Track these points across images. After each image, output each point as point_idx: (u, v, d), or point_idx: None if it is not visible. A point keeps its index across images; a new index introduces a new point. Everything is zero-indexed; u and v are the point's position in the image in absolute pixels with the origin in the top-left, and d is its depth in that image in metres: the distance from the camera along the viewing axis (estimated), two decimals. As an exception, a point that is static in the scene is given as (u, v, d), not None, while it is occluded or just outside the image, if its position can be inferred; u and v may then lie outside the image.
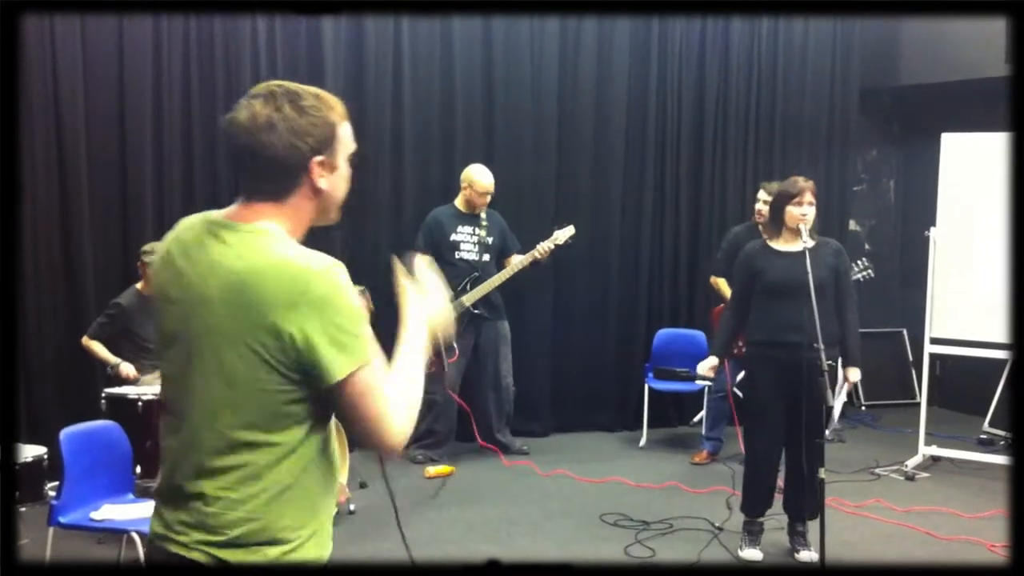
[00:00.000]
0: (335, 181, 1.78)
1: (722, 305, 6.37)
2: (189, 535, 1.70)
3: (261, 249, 1.69)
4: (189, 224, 1.82)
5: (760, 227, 6.31)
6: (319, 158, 1.73)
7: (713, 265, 6.57)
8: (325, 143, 1.74)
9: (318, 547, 1.78)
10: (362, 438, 1.73)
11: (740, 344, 6.00)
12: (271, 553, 1.70)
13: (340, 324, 1.64)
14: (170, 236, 1.83)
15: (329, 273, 1.66)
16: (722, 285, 6.36)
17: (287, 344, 1.63)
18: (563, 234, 6.30)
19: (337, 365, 1.64)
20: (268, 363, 1.64)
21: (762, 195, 6.24)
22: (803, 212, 4.45)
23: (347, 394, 1.67)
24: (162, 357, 1.81)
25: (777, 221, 4.58)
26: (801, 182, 4.52)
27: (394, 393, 1.72)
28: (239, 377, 1.66)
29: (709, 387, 6.47)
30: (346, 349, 1.65)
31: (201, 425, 1.71)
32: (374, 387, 1.68)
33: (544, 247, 6.24)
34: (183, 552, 1.70)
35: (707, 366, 4.82)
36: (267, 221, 1.73)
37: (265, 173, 1.72)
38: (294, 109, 1.70)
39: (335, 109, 1.78)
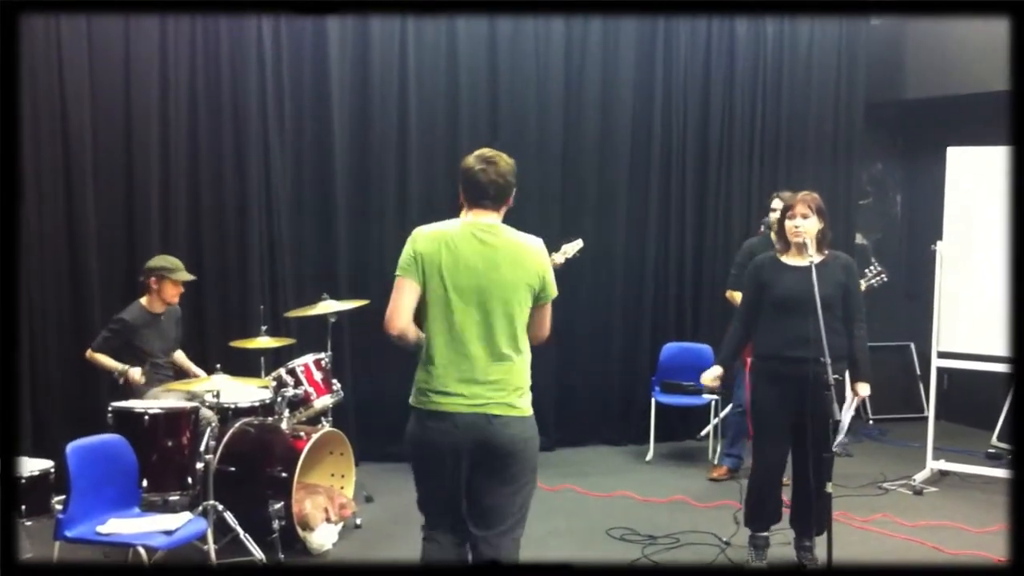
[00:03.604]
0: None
1: None
2: (495, 397, 3.26)
3: (512, 235, 3.33)
4: (451, 229, 3.30)
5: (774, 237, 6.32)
6: (514, 188, 3.34)
7: (729, 279, 6.52)
8: (516, 180, 3.35)
9: None
10: (539, 334, 3.45)
11: None
12: (529, 398, 3.36)
13: (551, 276, 3.37)
14: (435, 236, 3.28)
15: (543, 247, 3.38)
16: (738, 298, 6.33)
17: (541, 284, 3.32)
18: (572, 247, 6.06)
19: (552, 292, 3.38)
20: (534, 292, 3.31)
21: (776, 203, 6.25)
22: (795, 225, 4.46)
23: (546, 308, 3.41)
24: (447, 306, 3.24)
25: (783, 235, 4.59)
26: (799, 195, 4.54)
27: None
28: (516, 307, 3.28)
29: (714, 401, 6.45)
30: (552, 285, 3.38)
31: (497, 341, 3.26)
32: (550, 308, 3.42)
33: (553, 260, 6.12)
34: (490, 410, 3.25)
35: (711, 375, 4.75)
36: (495, 220, 3.33)
37: (499, 195, 3.32)
38: (510, 164, 3.34)
39: None
